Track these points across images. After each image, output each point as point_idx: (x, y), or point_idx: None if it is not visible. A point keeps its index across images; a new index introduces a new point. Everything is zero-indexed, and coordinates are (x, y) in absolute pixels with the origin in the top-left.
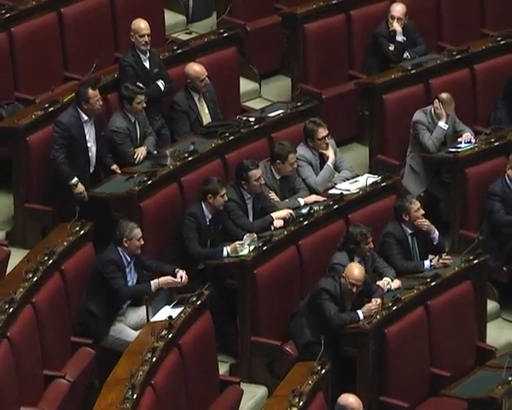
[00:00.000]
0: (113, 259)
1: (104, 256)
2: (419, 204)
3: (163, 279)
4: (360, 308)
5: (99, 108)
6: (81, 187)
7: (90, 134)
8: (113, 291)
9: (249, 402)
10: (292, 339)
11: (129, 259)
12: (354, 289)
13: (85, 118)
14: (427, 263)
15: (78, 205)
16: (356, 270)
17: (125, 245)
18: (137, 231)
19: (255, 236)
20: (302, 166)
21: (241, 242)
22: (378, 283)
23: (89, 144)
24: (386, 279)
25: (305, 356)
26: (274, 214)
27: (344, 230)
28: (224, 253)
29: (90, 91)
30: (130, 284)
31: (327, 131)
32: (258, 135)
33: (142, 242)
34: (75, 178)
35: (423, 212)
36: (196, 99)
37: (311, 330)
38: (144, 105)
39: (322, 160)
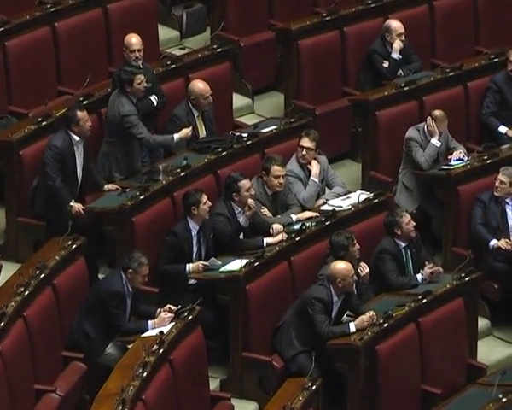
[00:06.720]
0: (118, 291)
1: (109, 285)
2: (409, 216)
3: (158, 320)
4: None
5: (89, 128)
6: (77, 205)
7: (78, 157)
8: (115, 325)
9: None
10: (278, 352)
11: (130, 289)
12: (352, 281)
13: (77, 139)
14: (419, 277)
15: (71, 219)
16: (342, 265)
17: (129, 276)
18: (145, 269)
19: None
20: (292, 183)
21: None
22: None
23: (77, 168)
24: None
25: (292, 368)
26: (274, 226)
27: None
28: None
29: (79, 113)
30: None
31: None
32: (251, 151)
33: (146, 279)
34: (72, 201)
35: (414, 223)
36: (196, 116)
37: (299, 341)
38: (146, 85)
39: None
